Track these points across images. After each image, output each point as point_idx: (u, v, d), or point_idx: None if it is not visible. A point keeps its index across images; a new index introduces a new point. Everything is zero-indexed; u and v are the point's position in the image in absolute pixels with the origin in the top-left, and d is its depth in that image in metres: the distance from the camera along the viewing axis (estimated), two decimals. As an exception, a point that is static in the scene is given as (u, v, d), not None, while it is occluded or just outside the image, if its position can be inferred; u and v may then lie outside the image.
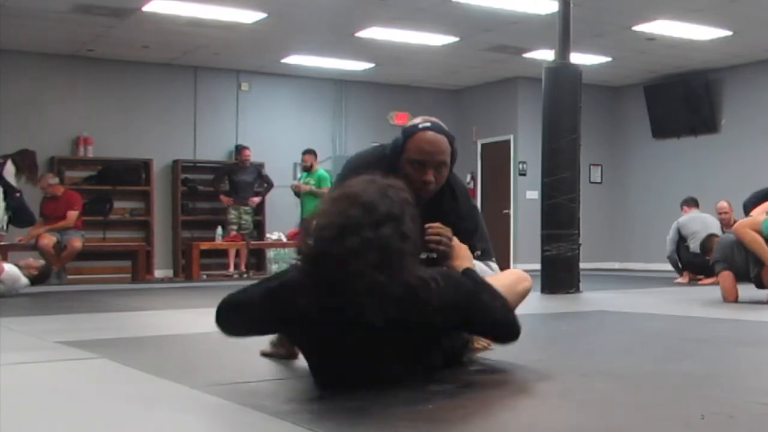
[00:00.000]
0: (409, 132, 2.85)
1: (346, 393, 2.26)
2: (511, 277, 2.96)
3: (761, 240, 5.58)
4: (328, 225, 2.16)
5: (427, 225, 2.66)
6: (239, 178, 11.20)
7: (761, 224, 5.59)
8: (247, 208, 11.20)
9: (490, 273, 3.03)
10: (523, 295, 2.93)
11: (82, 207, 10.04)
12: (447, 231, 2.70)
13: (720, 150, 12.22)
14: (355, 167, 2.87)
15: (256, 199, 11.32)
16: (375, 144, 3.12)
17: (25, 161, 8.68)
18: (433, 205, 2.89)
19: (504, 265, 13.27)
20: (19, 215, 8.25)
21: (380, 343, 2.27)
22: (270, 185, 11.42)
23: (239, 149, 11.35)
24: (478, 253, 3.00)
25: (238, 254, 11.37)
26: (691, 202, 9.69)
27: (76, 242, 9.70)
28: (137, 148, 11.41)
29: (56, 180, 9.95)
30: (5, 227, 8.15)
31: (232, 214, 11.13)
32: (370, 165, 2.81)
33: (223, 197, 11.23)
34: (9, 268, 6.97)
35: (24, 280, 7.09)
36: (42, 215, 9.69)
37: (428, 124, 2.85)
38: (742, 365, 3.19)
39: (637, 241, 13.43)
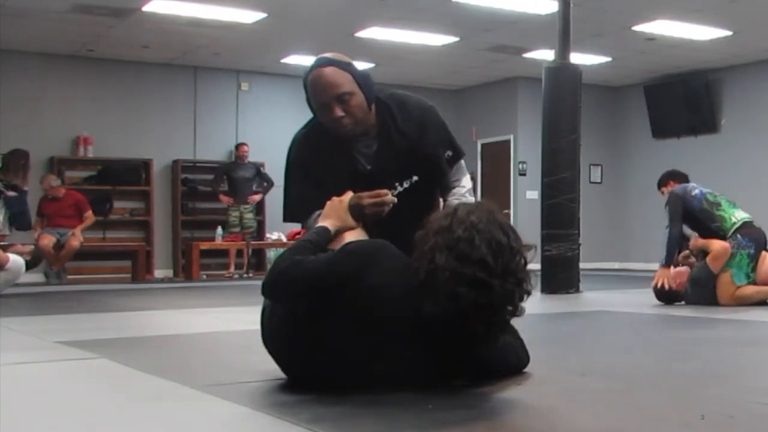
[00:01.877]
0: (305, 82, 2.74)
1: (345, 393, 2.26)
2: None
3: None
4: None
5: (366, 195, 2.59)
6: (238, 175, 11.18)
7: (733, 277, 5.56)
8: (248, 206, 11.20)
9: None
10: None
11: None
12: (384, 198, 2.61)
13: (720, 150, 12.22)
14: (294, 154, 2.88)
15: (257, 197, 11.31)
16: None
17: (17, 162, 8.63)
18: (385, 147, 2.77)
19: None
20: (18, 216, 8.22)
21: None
22: (270, 183, 11.40)
23: (237, 146, 11.35)
24: (449, 153, 2.86)
25: (239, 254, 11.37)
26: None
27: (74, 241, 9.70)
28: (137, 148, 11.41)
29: (58, 182, 9.93)
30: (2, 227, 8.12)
31: (233, 216, 11.11)
32: (307, 138, 2.84)
33: (222, 197, 11.20)
34: (14, 257, 7.01)
35: (23, 269, 7.13)
36: (39, 215, 9.68)
37: (314, 63, 2.71)
38: (742, 365, 3.19)
39: (637, 241, 13.43)
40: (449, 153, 2.86)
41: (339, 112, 2.66)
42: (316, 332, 2.32)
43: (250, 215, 11.21)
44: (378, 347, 2.26)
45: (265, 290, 2.38)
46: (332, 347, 2.30)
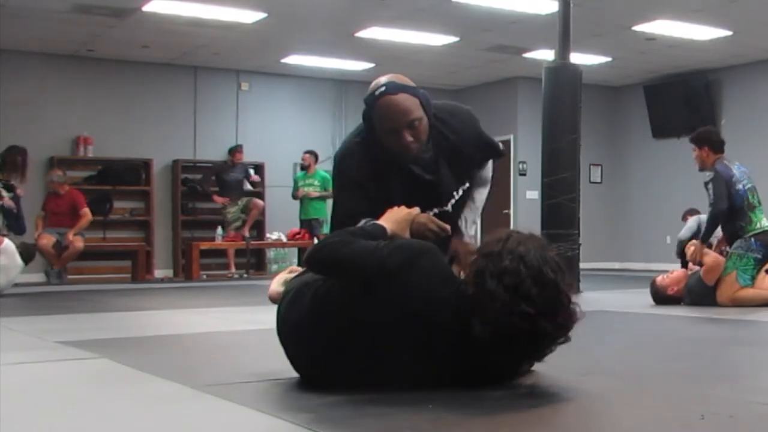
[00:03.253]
0: (370, 103, 2.71)
1: (345, 393, 2.26)
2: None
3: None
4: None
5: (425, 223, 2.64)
6: (229, 177, 11.19)
7: (738, 278, 5.58)
8: (244, 199, 11.20)
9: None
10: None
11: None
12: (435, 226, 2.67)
13: (720, 150, 12.20)
14: (348, 166, 2.81)
15: (261, 204, 11.30)
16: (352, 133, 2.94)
17: (14, 158, 8.59)
18: (441, 155, 2.80)
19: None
20: (12, 223, 8.19)
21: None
22: (255, 187, 11.45)
23: (234, 150, 11.31)
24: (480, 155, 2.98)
25: (238, 254, 11.35)
26: (693, 212, 9.85)
27: (78, 242, 9.68)
28: (137, 148, 11.41)
29: (62, 178, 9.89)
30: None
31: (231, 213, 11.11)
32: (361, 157, 2.77)
33: (217, 198, 11.20)
34: (6, 242, 7.02)
35: (20, 261, 7.12)
36: (43, 209, 9.70)
37: (383, 89, 2.68)
38: (742, 365, 3.19)
39: (637, 241, 13.43)
40: (480, 155, 2.97)
41: (409, 138, 2.66)
42: (339, 327, 2.33)
43: (252, 203, 11.21)
44: (402, 345, 2.28)
45: (310, 261, 2.41)
46: (356, 343, 2.31)
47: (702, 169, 5.91)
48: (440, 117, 2.80)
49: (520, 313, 2.15)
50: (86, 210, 9.78)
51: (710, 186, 5.72)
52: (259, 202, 11.31)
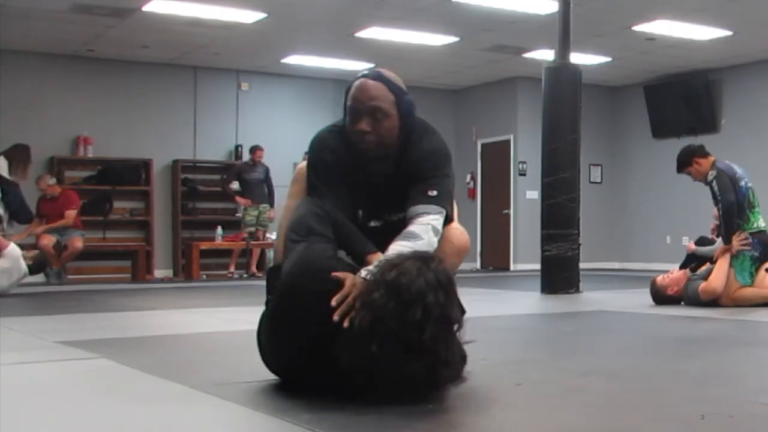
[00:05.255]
0: (348, 86, 2.64)
1: (345, 394, 2.26)
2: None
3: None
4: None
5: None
6: (251, 177, 11.08)
7: (736, 276, 5.56)
8: (266, 205, 11.11)
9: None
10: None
11: (81, 207, 10.04)
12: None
13: (720, 150, 12.08)
14: (318, 151, 2.67)
15: (273, 215, 11.17)
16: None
17: (19, 155, 8.64)
18: (398, 176, 2.60)
19: (503, 265, 12.95)
20: (19, 211, 8.23)
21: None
22: (272, 191, 11.35)
23: (253, 149, 11.20)
24: (434, 192, 2.54)
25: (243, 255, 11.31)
26: None
27: (78, 242, 9.71)
28: (137, 148, 11.41)
29: (54, 180, 9.95)
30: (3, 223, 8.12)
31: (251, 216, 11.01)
32: (330, 144, 2.64)
33: (239, 198, 11.11)
34: (12, 246, 7.02)
35: (23, 266, 7.11)
36: (39, 215, 9.68)
37: (365, 72, 2.63)
38: (742, 365, 3.19)
39: (637, 241, 13.43)
40: (434, 192, 2.56)
41: (365, 126, 2.55)
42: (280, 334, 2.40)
43: (267, 214, 11.11)
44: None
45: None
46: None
47: (705, 178, 5.87)
48: (414, 134, 2.62)
49: (377, 357, 2.07)
50: (70, 212, 9.73)
51: (714, 183, 5.69)
52: (273, 216, 11.14)
